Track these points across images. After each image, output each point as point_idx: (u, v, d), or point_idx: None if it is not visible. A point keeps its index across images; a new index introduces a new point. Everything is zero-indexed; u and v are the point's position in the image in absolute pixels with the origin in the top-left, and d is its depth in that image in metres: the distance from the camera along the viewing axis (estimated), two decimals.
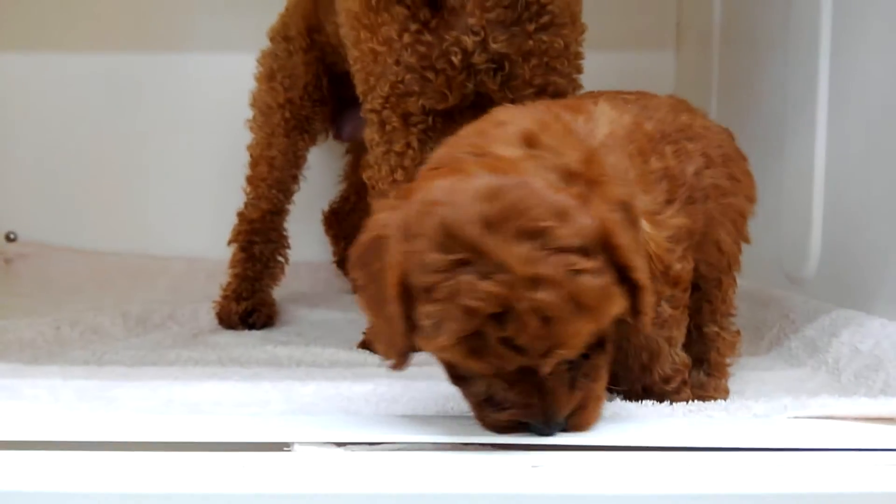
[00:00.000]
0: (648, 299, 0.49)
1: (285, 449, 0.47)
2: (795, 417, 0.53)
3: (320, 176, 1.33)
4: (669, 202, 0.63)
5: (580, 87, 0.94)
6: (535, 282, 0.44)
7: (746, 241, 0.75)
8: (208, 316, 1.14)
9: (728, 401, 0.62)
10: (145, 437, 0.49)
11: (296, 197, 1.20)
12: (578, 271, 0.45)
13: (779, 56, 1.06)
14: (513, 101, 0.87)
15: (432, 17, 0.85)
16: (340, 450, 0.47)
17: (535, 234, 0.45)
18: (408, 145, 0.89)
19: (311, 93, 1.11)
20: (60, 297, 1.22)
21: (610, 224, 0.47)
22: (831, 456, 0.47)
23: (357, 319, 1.10)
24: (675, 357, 0.65)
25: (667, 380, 0.64)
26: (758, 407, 0.58)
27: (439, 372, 0.53)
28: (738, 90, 1.24)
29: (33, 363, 0.88)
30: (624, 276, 0.48)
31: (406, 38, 0.85)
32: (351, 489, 0.44)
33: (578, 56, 0.92)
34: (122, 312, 1.08)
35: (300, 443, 0.47)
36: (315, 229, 1.36)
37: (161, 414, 0.61)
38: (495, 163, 0.50)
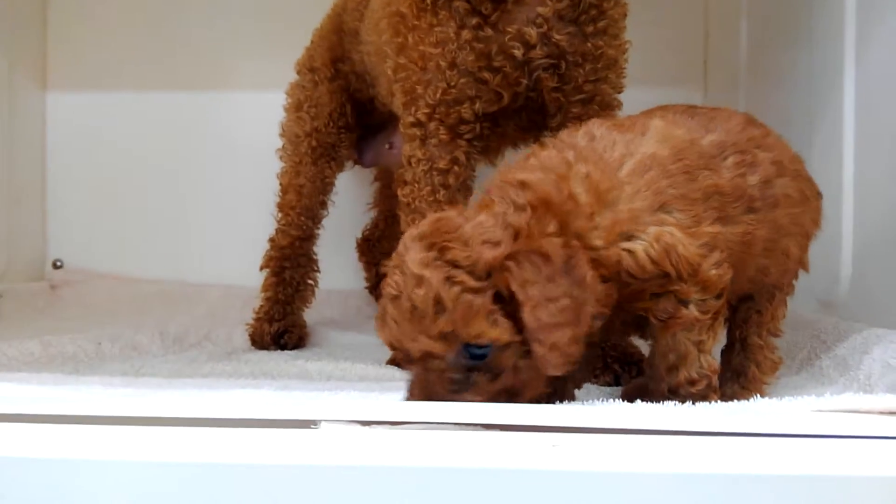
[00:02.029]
0: (537, 340, 0.55)
1: (312, 426, 0.49)
2: (819, 411, 0.53)
3: (352, 204, 1.36)
4: (720, 219, 0.65)
5: (621, 103, 0.93)
6: (419, 279, 0.56)
7: (805, 267, 0.76)
8: (242, 337, 1.17)
9: (751, 400, 0.61)
10: (184, 413, 0.51)
11: (328, 225, 1.23)
12: (456, 282, 0.55)
13: (804, 89, 1.08)
14: (561, 107, 0.87)
15: (494, 10, 0.83)
16: (364, 428, 0.49)
17: (436, 248, 0.57)
18: (454, 161, 0.87)
19: (336, 120, 1.15)
20: (102, 319, 1.26)
21: (502, 261, 0.56)
22: (855, 443, 0.47)
23: None
24: (702, 361, 0.65)
25: (692, 382, 0.65)
26: (781, 404, 0.58)
27: None
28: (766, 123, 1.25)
29: (74, 374, 0.91)
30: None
31: (465, 34, 0.83)
32: (373, 462, 0.46)
33: (623, 73, 0.92)
34: (160, 332, 1.12)
35: (326, 420, 0.49)
36: (347, 257, 1.39)
37: (196, 393, 0.63)
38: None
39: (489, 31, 0.84)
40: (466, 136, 0.87)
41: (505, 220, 0.58)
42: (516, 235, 0.57)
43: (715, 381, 0.66)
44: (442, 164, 0.88)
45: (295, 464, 0.46)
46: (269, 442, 0.48)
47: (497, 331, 0.55)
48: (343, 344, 1.17)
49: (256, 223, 1.27)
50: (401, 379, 0.91)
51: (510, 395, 0.57)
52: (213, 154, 1.51)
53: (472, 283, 0.55)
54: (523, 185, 0.61)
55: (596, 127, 0.67)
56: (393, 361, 0.98)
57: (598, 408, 0.58)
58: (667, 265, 0.61)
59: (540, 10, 0.83)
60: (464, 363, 0.56)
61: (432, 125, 0.87)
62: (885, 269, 0.89)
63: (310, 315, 1.24)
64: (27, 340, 0.99)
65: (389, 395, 0.79)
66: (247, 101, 1.49)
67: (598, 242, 0.60)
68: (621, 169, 0.63)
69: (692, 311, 0.63)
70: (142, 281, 1.46)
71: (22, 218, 1.44)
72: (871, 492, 0.44)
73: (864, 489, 0.45)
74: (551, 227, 0.58)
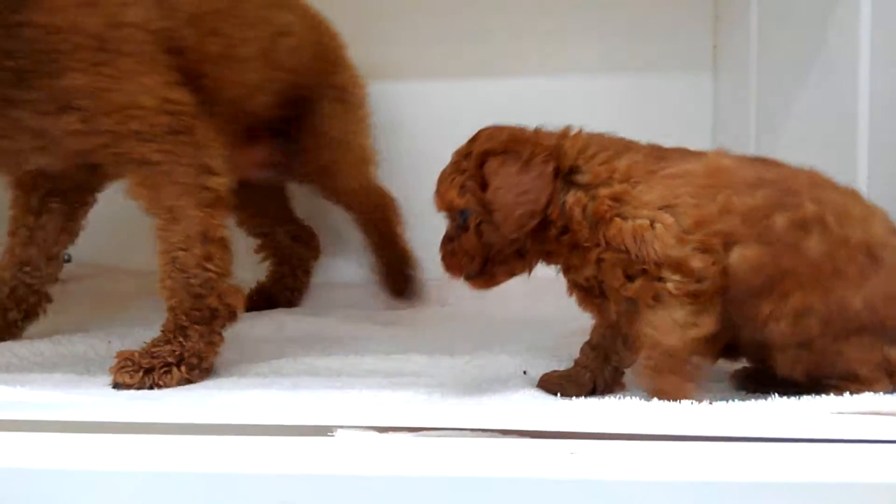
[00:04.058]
0: (495, 210, 0.70)
1: (328, 434, 0.49)
2: (838, 413, 0.53)
3: None
4: (729, 235, 0.66)
5: (147, 157, 0.89)
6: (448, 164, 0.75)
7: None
8: (252, 333, 1.17)
9: (767, 400, 0.61)
10: (194, 419, 0.50)
11: (335, 220, 1.23)
12: (456, 165, 0.74)
13: (817, 74, 1.06)
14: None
15: None
16: (381, 435, 0.48)
17: (466, 148, 0.75)
18: None
19: None
20: (112, 314, 1.26)
21: (483, 153, 0.72)
22: (875, 448, 0.47)
23: (395, 334, 1.12)
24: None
25: (656, 345, 0.66)
26: (800, 405, 0.58)
27: (474, 380, 0.64)
28: (777, 112, 1.24)
29: (86, 374, 0.91)
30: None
31: None
32: (391, 472, 0.45)
33: (130, 104, 0.84)
34: None
35: (342, 427, 0.49)
36: (352, 251, 1.38)
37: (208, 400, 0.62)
38: None
39: None
40: None
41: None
42: (510, 140, 0.72)
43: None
44: None
45: (310, 474, 0.46)
46: (285, 451, 0.47)
47: (463, 200, 0.72)
48: (349, 336, 1.17)
49: None
50: (410, 374, 0.92)
51: (489, 259, 0.74)
52: None
53: (464, 164, 0.73)
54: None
55: (673, 152, 0.72)
56: None
57: (615, 411, 0.58)
58: (632, 248, 0.66)
59: None
60: (458, 224, 0.74)
61: None
62: None
63: (315, 308, 1.24)
64: (38, 340, 1.00)
65: (401, 392, 0.79)
66: None
67: (584, 179, 0.70)
68: (655, 174, 0.68)
69: (666, 285, 0.65)
70: (151, 274, 1.46)
71: None
72: (892, 500, 0.44)
73: (885, 497, 0.44)
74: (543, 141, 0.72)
